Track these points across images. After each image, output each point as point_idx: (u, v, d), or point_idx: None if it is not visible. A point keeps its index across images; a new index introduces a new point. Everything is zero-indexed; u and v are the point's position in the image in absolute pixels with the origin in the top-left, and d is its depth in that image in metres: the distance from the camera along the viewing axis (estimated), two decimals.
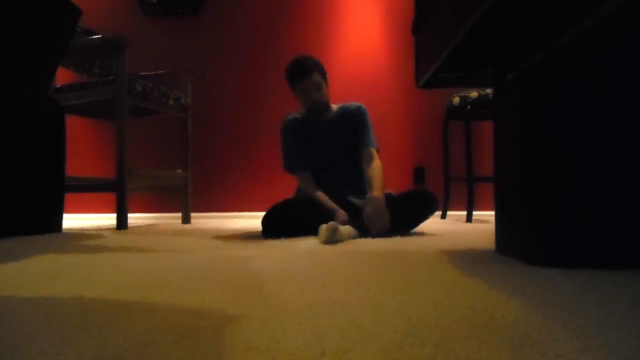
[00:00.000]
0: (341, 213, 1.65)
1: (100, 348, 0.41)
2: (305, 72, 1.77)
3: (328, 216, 1.63)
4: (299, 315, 0.51)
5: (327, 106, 1.88)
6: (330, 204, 1.71)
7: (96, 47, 1.90)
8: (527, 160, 0.90)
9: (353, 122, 1.89)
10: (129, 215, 1.97)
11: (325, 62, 1.88)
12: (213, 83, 2.87)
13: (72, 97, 2.00)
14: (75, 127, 2.63)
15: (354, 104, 1.95)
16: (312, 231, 1.50)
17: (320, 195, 1.75)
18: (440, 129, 2.65)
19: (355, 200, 1.80)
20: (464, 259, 0.96)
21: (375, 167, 1.81)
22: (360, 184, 1.89)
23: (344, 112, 1.92)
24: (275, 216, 1.62)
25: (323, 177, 1.88)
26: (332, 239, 1.35)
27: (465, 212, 2.35)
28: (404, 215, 1.70)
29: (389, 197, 1.72)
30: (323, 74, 1.83)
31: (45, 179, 1.69)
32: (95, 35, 2.00)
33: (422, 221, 1.77)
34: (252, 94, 2.89)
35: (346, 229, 1.50)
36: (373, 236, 1.55)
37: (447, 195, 2.62)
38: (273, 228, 1.58)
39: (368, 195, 1.70)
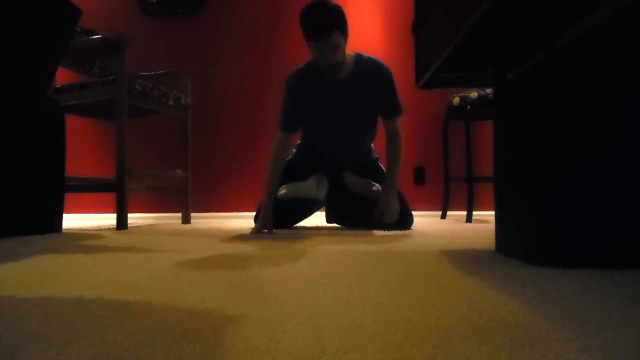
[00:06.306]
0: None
1: (100, 348, 0.41)
2: (325, 33, 1.44)
3: (307, 205, 1.73)
4: (299, 315, 0.51)
5: (342, 64, 1.58)
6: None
7: (96, 47, 1.90)
8: (526, 160, 0.90)
9: (374, 88, 1.62)
10: (129, 215, 1.97)
11: None
12: (213, 83, 2.87)
13: (72, 97, 2.00)
14: (75, 127, 2.63)
15: (375, 62, 1.64)
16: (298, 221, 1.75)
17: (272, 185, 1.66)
18: (440, 129, 2.65)
19: (349, 180, 1.69)
20: (464, 259, 0.96)
21: (396, 150, 1.65)
22: (364, 155, 1.75)
23: (363, 72, 1.62)
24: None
25: (324, 145, 1.71)
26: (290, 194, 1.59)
27: (465, 212, 2.35)
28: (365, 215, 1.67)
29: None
30: (344, 30, 1.49)
31: (45, 179, 1.69)
32: (95, 35, 2.00)
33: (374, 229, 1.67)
34: (253, 93, 2.89)
35: (306, 184, 1.62)
36: (379, 227, 1.57)
37: (447, 195, 2.62)
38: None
39: (383, 186, 1.66)
